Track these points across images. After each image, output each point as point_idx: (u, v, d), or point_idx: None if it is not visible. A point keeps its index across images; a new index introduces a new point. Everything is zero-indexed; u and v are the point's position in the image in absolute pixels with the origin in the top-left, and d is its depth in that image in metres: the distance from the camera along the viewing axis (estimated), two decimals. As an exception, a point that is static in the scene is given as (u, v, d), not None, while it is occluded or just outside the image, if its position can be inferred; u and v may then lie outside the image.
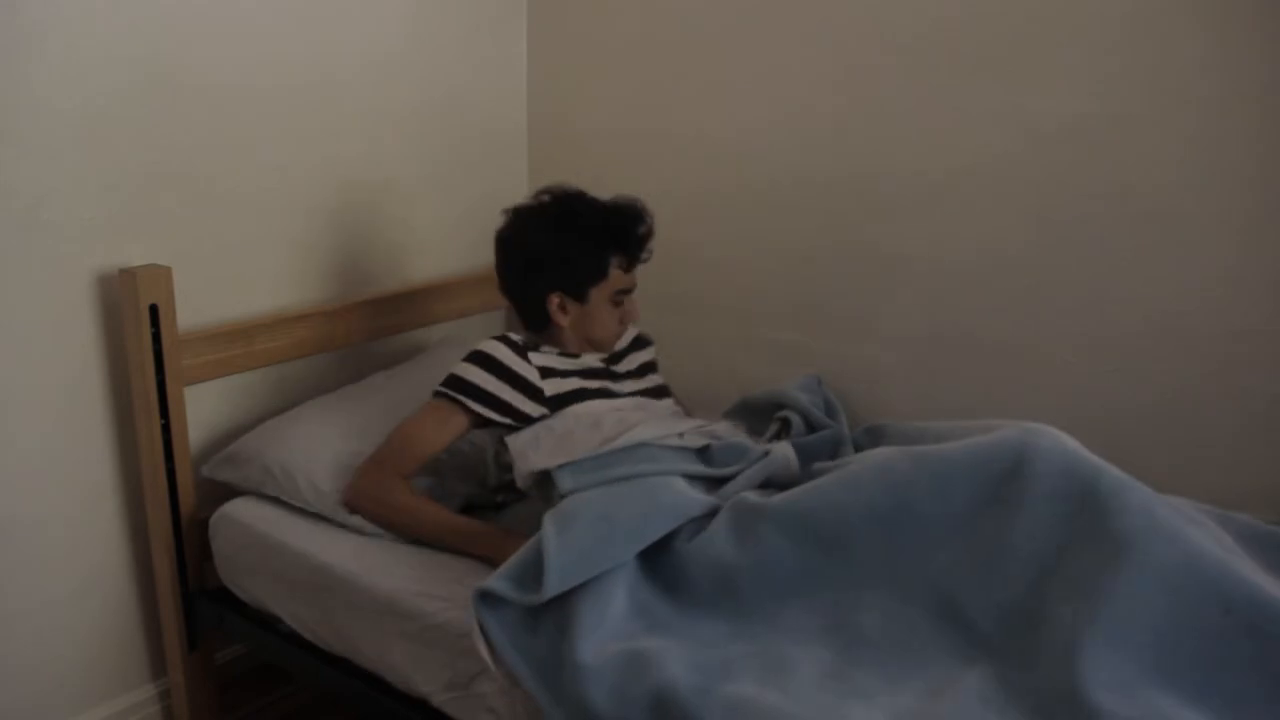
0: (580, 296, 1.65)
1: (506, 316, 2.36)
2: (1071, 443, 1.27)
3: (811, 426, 1.70)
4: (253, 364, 1.81)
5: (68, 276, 1.60)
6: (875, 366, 1.96)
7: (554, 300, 1.66)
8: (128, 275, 1.59)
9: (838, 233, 1.96)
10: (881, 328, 1.95)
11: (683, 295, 2.12)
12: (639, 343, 1.82)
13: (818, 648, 1.23)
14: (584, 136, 2.26)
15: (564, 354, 1.67)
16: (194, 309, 1.74)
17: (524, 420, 1.58)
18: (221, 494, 1.74)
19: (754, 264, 2.08)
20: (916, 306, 1.90)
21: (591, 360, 1.69)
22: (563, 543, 1.29)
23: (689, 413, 1.83)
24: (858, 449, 1.65)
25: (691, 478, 1.47)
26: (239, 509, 1.68)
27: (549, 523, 1.33)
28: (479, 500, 1.73)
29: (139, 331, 1.60)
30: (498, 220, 1.69)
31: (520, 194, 1.80)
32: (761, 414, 1.77)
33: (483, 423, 1.60)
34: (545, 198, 1.67)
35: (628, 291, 1.69)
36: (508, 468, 1.60)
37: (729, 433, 1.61)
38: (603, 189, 1.68)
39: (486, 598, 1.28)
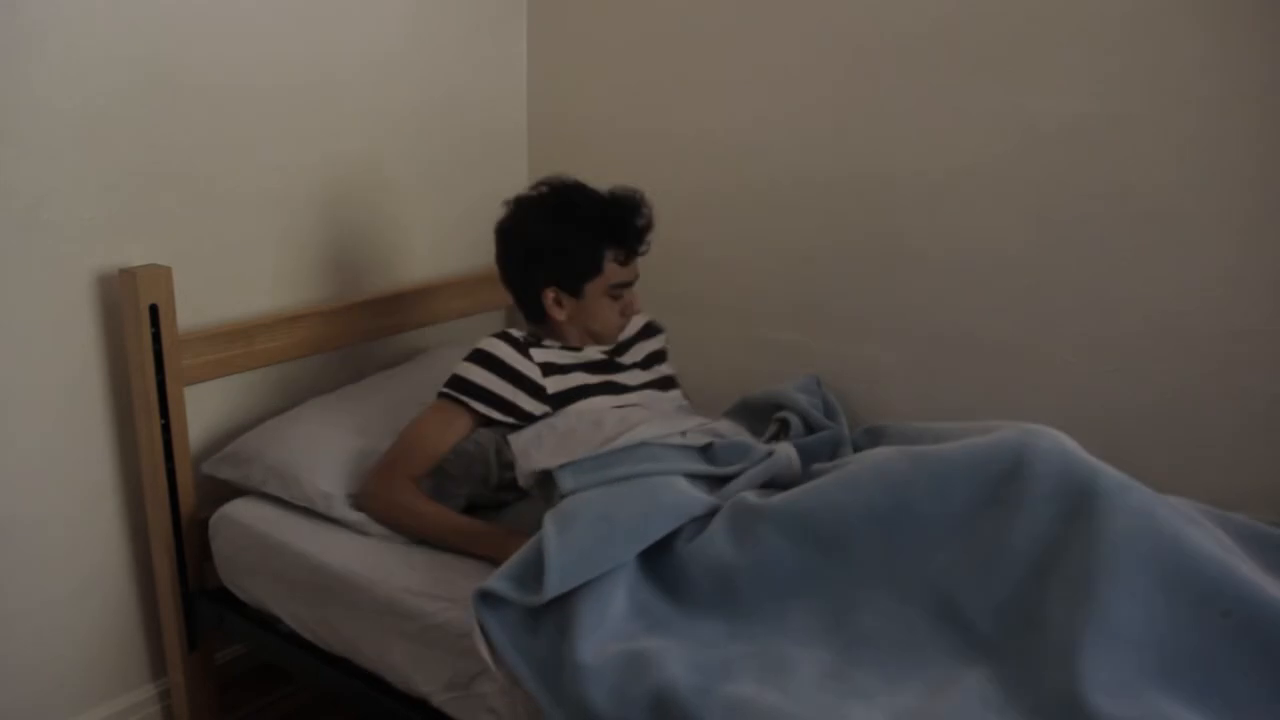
0: (575, 291, 1.65)
1: (506, 316, 2.36)
2: (1070, 444, 1.27)
3: (810, 427, 1.70)
4: (253, 364, 1.81)
5: (68, 276, 1.60)
6: (875, 366, 1.96)
7: (549, 295, 1.65)
8: (128, 275, 1.59)
9: (838, 233, 1.96)
10: (881, 328, 1.95)
11: (683, 295, 2.12)
12: (648, 331, 1.81)
13: (817, 648, 1.23)
14: (584, 136, 2.26)
15: (566, 348, 1.66)
16: (194, 309, 1.74)
17: (527, 419, 1.58)
18: (221, 494, 1.74)
19: (754, 264, 2.08)
20: (916, 306, 1.90)
21: (594, 353, 1.69)
22: (563, 543, 1.29)
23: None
24: (857, 450, 1.65)
25: (693, 477, 1.47)
26: (239, 509, 1.68)
27: (549, 522, 1.33)
28: (481, 499, 1.73)
29: (139, 331, 1.60)
30: (499, 214, 1.69)
31: (520, 194, 1.80)
32: (761, 414, 1.77)
33: (486, 422, 1.60)
34: (543, 189, 1.66)
35: (627, 285, 1.68)
36: (510, 466, 1.60)
37: (732, 431, 1.61)
38: (601, 188, 1.68)
39: (487, 598, 1.28)
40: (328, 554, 1.54)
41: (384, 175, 2.05)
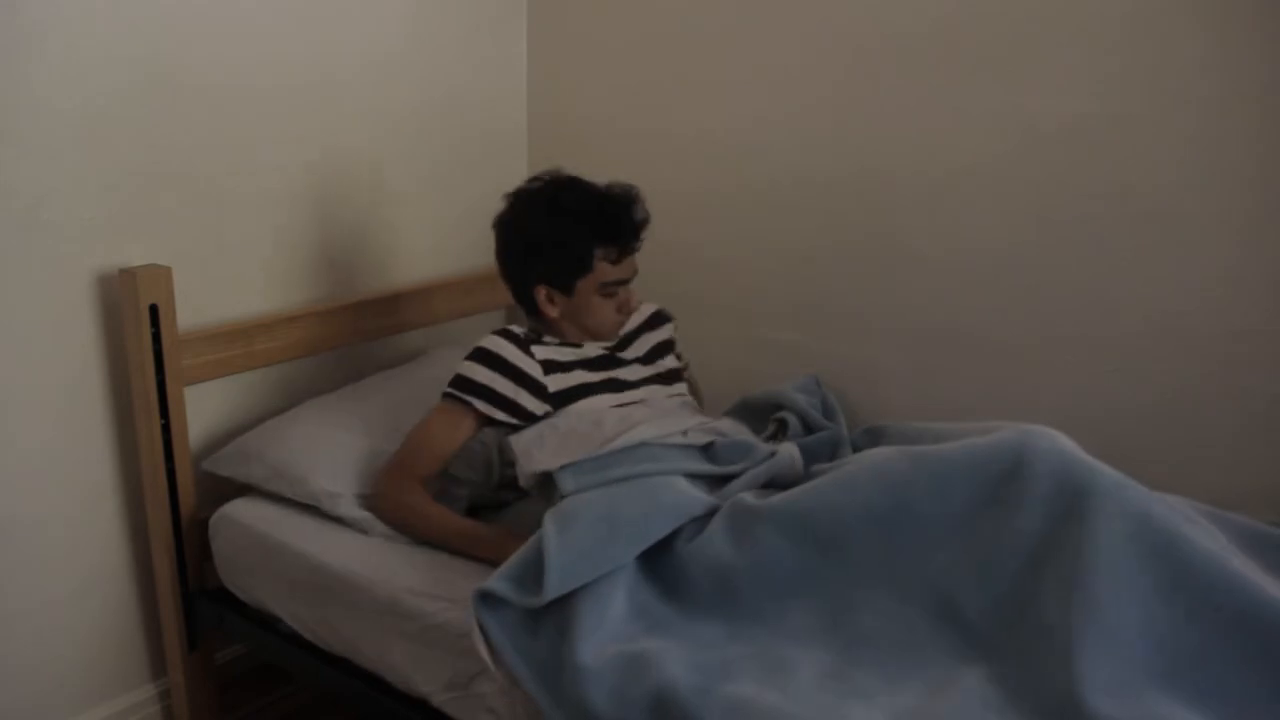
0: (567, 289, 1.63)
1: (507, 316, 2.36)
2: (1069, 444, 1.27)
3: (809, 428, 1.70)
4: (253, 364, 1.81)
5: (68, 276, 1.60)
6: (875, 366, 1.96)
7: (541, 292, 1.64)
8: (128, 275, 1.59)
9: (838, 232, 1.96)
10: (881, 328, 1.95)
11: (683, 295, 2.12)
12: (654, 321, 1.79)
13: (817, 648, 1.23)
14: (584, 136, 2.26)
15: (566, 344, 1.66)
16: (194, 309, 1.74)
17: (529, 418, 1.58)
18: (222, 494, 1.74)
19: (754, 264, 2.08)
20: (916, 306, 1.90)
21: (594, 350, 1.68)
22: (563, 544, 1.29)
23: (700, 397, 1.81)
24: (856, 450, 1.64)
25: (694, 476, 1.47)
26: (239, 509, 1.68)
27: (550, 523, 1.33)
28: (483, 499, 1.73)
29: (139, 331, 1.60)
30: (499, 208, 1.68)
31: (520, 194, 1.79)
32: (760, 414, 1.76)
33: (490, 422, 1.59)
34: (537, 183, 1.64)
35: (621, 283, 1.65)
36: (513, 464, 1.60)
37: (734, 430, 1.60)
38: (604, 181, 1.66)
39: (486, 598, 1.28)
40: (328, 554, 1.54)
41: (384, 175, 2.05)
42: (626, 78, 2.18)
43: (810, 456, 1.58)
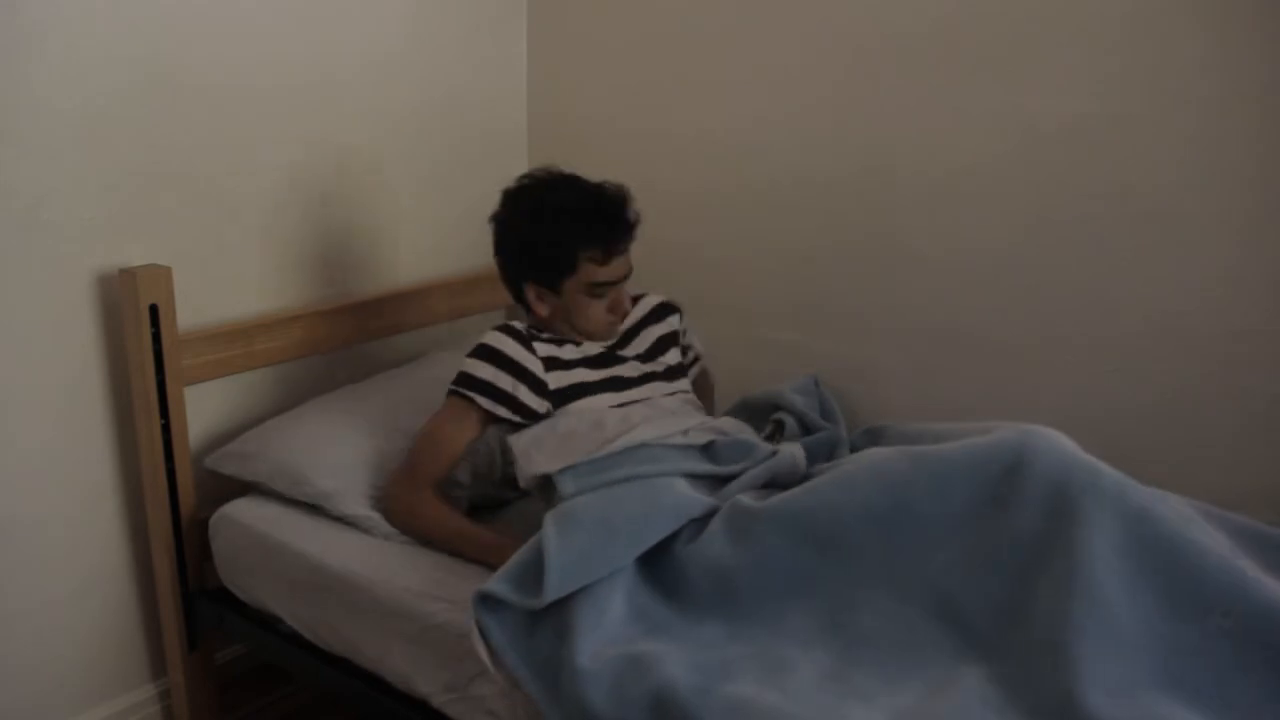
0: (554, 288, 1.61)
1: (507, 316, 2.36)
2: (1069, 444, 1.27)
3: (807, 429, 1.69)
4: (253, 364, 1.81)
5: (68, 276, 1.60)
6: (875, 366, 1.96)
7: (531, 291, 1.63)
8: (128, 275, 1.59)
9: (838, 232, 1.96)
10: (881, 328, 1.95)
11: (683, 295, 2.11)
12: (658, 314, 1.76)
13: (817, 648, 1.23)
14: (584, 136, 2.26)
15: (566, 342, 1.64)
16: (194, 309, 1.74)
17: (530, 416, 1.57)
18: (222, 494, 1.74)
19: (754, 264, 2.08)
20: (916, 306, 1.90)
21: (595, 347, 1.66)
22: (563, 546, 1.28)
23: (712, 390, 1.80)
24: (855, 451, 1.64)
25: (695, 477, 1.47)
26: (239, 510, 1.68)
27: (550, 524, 1.33)
28: (484, 498, 1.74)
29: (139, 331, 1.60)
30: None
31: (520, 194, 1.79)
32: (759, 415, 1.75)
33: (494, 419, 1.59)
34: (527, 181, 1.63)
35: (610, 284, 1.60)
36: (513, 462, 1.60)
37: (735, 429, 1.59)
38: (598, 179, 1.66)
39: (486, 600, 1.28)
40: (328, 554, 1.54)
41: (384, 175, 2.05)
42: (626, 78, 2.18)
43: (808, 458, 1.58)
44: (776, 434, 1.68)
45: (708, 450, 1.53)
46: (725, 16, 2.00)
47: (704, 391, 1.88)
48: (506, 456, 1.65)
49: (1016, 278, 1.78)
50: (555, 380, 1.59)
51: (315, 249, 1.94)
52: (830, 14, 1.88)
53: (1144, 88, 1.61)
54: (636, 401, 1.63)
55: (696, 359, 1.85)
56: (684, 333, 1.81)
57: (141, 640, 1.81)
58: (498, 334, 1.61)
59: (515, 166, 2.31)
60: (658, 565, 1.35)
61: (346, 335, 1.96)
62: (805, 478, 1.46)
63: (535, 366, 1.58)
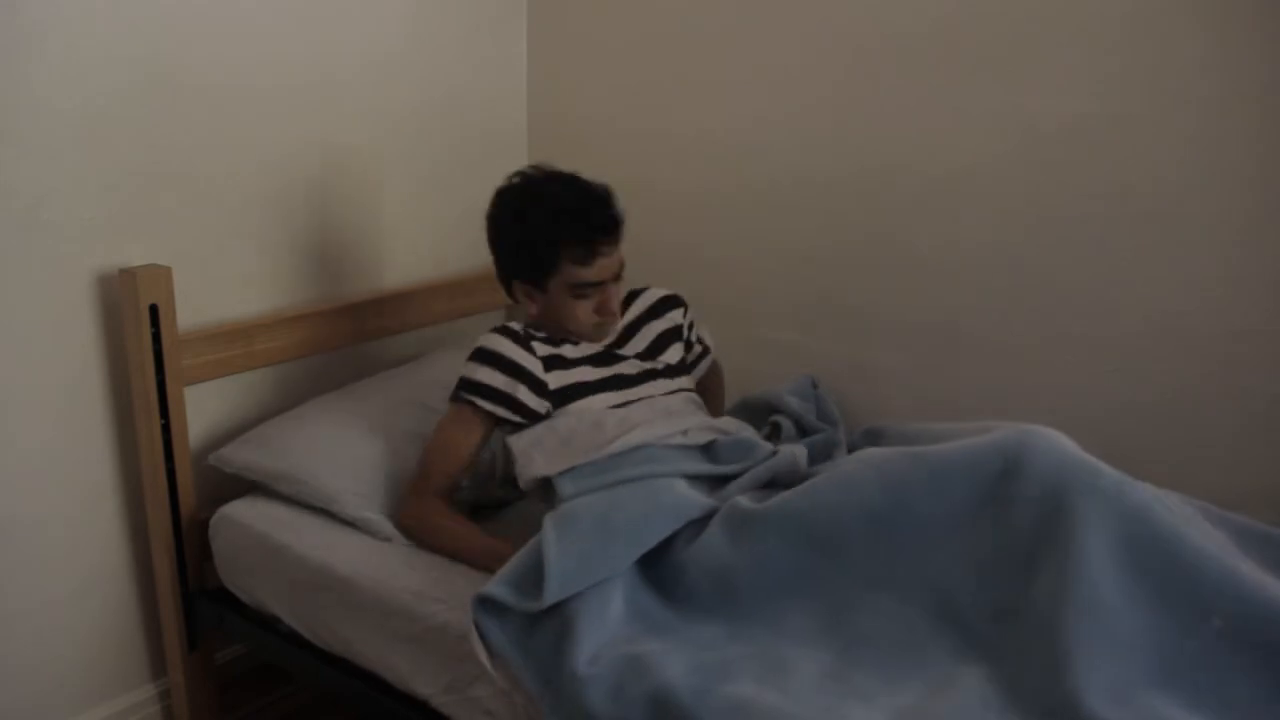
0: (540, 287, 1.60)
1: (506, 316, 2.36)
2: (1068, 444, 1.27)
3: (804, 431, 1.68)
4: (253, 364, 1.81)
5: (68, 276, 1.60)
6: (875, 366, 1.96)
7: (519, 289, 1.62)
8: (128, 275, 1.59)
9: (838, 233, 1.96)
10: (881, 327, 1.95)
11: (683, 295, 2.12)
12: (659, 308, 1.74)
13: (817, 649, 1.23)
14: (584, 136, 2.26)
15: (564, 341, 1.63)
16: (194, 309, 1.74)
17: (531, 416, 1.56)
18: (222, 494, 1.74)
19: (754, 264, 2.08)
20: (916, 306, 1.90)
21: (594, 346, 1.65)
22: (563, 549, 1.28)
23: (720, 383, 1.79)
24: (854, 451, 1.63)
25: (695, 477, 1.47)
26: (239, 510, 1.68)
27: (549, 526, 1.33)
28: (486, 498, 1.74)
29: (139, 331, 1.60)
30: None
31: (520, 194, 1.79)
32: (757, 416, 1.74)
33: (497, 421, 1.59)
34: (516, 179, 1.62)
35: (594, 285, 1.58)
36: (514, 463, 1.59)
37: (736, 428, 1.59)
38: (594, 177, 1.65)
39: (485, 602, 1.28)
40: (328, 555, 1.53)
41: (384, 175, 2.05)
42: (626, 78, 2.18)
43: (808, 459, 1.58)
44: (773, 437, 1.67)
45: (709, 450, 1.53)
46: (725, 16, 2.00)
47: (714, 386, 1.87)
48: (507, 457, 1.65)
49: (1016, 278, 1.78)
50: (555, 380, 1.58)
51: (315, 249, 1.94)
52: (830, 14, 1.88)
53: (1144, 88, 1.61)
54: (636, 400, 1.62)
55: (705, 352, 1.84)
56: (690, 326, 1.79)
57: (141, 640, 1.81)
58: (494, 336, 1.60)
59: (515, 166, 2.30)
60: (657, 566, 1.35)
61: (346, 335, 1.96)
62: (805, 478, 1.46)
63: (534, 366, 1.58)
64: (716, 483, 1.48)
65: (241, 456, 1.70)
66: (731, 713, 1.10)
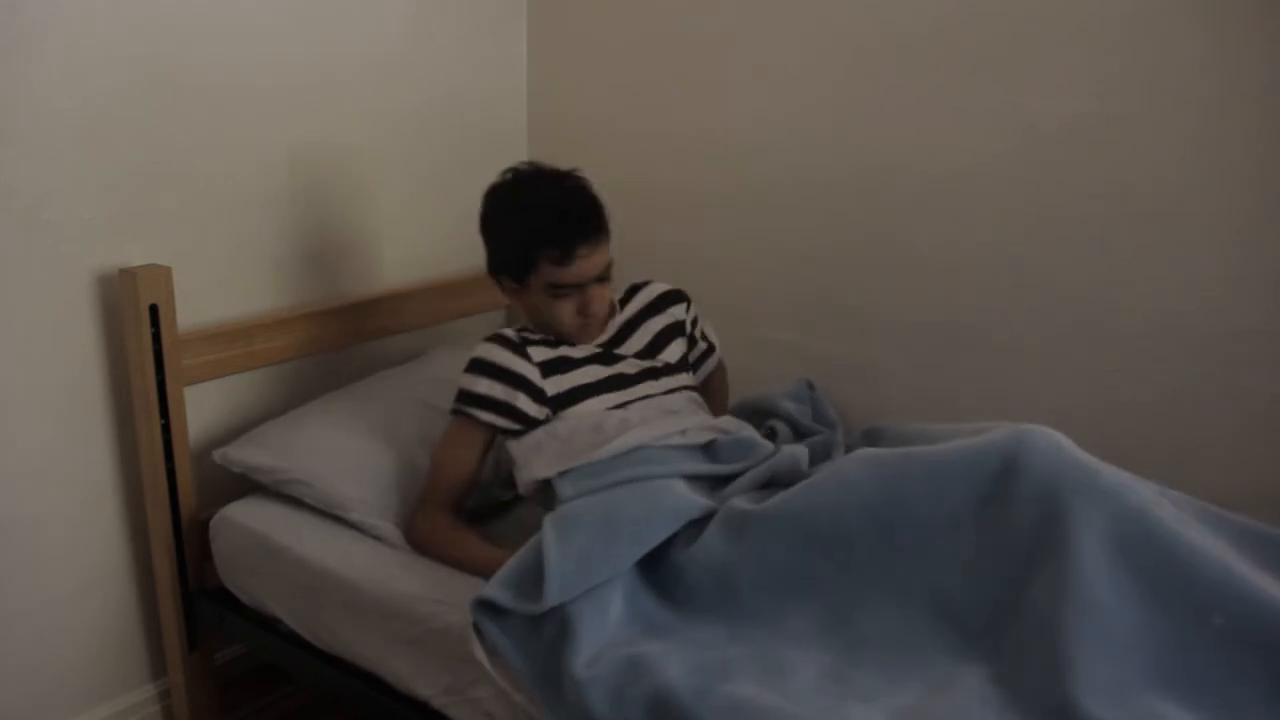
0: (523, 284, 1.59)
1: (506, 316, 2.36)
2: (1067, 443, 1.27)
3: (800, 434, 1.66)
4: (253, 364, 1.81)
5: (68, 276, 1.60)
6: (874, 366, 1.96)
7: (506, 283, 1.62)
8: (128, 275, 1.59)
9: (838, 232, 1.96)
10: (881, 327, 1.95)
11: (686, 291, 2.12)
12: (659, 304, 1.73)
13: (817, 649, 1.23)
14: (584, 136, 2.26)
15: (560, 342, 1.62)
16: (194, 309, 1.74)
17: (530, 424, 1.56)
18: (222, 495, 1.74)
19: (754, 264, 2.08)
20: (916, 306, 1.90)
21: (590, 347, 1.64)
22: (563, 551, 1.28)
23: (723, 381, 1.79)
24: (851, 451, 1.63)
25: (695, 477, 1.46)
26: (239, 511, 1.68)
27: (549, 528, 1.33)
28: (486, 501, 1.73)
29: (139, 331, 1.60)
30: None
31: (520, 194, 1.79)
32: (754, 419, 1.73)
33: (498, 430, 1.58)
34: (508, 176, 1.61)
35: (575, 286, 1.55)
36: (513, 465, 1.59)
37: (737, 427, 1.58)
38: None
39: (485, 604, 1.28)
40: (328, 557, 1.53)
41: (384, 175, 2.05)
42: (626, 78, 2.18)
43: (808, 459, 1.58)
44: (769, 440, 1.67)
45: (709, 449, 1.53)
46: (725, 16, 2.00)
47: (717, 385, 1.86)
48: (507, 458, 1.64)
49: (1016, 278, 1.78)
50: (553, 386, 1.57)
51: (315, 249, 1.94)
52: (830, 14, 1.88)
53: (1144, 88, 1.61)
54: (636, 400, 1.61)
55: (710, 349, 1.83)
56: (693, 322, 1.78)
57: (141, 640, 1.81)
58: (488, 345, 1.59)
59: (515, 167, 2.32)
60: (657, 568, 1.35)
61: (346, 335, 1.96)
62: (805, 478, 1.46)
63: (531, 373, 1.57)
64: (717, 482, 1.48)
65: (246, 455, 1.70)
66: (732, 713, 1.10)
